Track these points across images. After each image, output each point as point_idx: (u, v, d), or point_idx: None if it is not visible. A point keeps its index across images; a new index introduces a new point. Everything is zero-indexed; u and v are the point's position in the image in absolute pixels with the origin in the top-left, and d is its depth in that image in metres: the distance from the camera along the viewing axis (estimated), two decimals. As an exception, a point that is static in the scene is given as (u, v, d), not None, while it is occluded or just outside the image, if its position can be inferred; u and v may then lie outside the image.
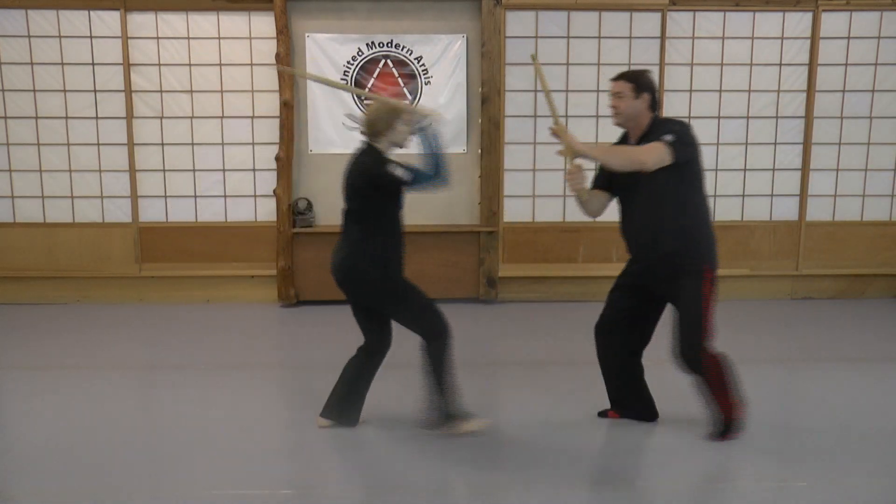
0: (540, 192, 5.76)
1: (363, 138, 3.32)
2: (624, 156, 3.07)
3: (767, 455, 3.22)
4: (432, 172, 3.23)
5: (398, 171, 3.17)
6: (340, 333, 5.06)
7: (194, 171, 5.72)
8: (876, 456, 3.21)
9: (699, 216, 3.20)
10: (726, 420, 3.24)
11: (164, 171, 5.71)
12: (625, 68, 5.57)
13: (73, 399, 3.87)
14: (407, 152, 3.40)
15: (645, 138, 3.16)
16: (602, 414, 3.60)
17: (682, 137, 3.07)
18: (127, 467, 3.11)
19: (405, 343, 4.87)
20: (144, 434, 3.48)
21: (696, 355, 3.14)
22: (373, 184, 3.22)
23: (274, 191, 5.68)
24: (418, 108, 3.38)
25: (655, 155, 3.01)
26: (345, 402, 3.44)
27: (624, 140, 3.32)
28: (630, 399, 3.51)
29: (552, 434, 3.41)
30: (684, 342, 3.16)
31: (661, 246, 3.16)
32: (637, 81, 3.18)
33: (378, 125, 3.24)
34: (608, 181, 3.33)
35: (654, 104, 3.22)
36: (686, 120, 3.28)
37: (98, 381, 4.13)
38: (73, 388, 4.03)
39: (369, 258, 3.27)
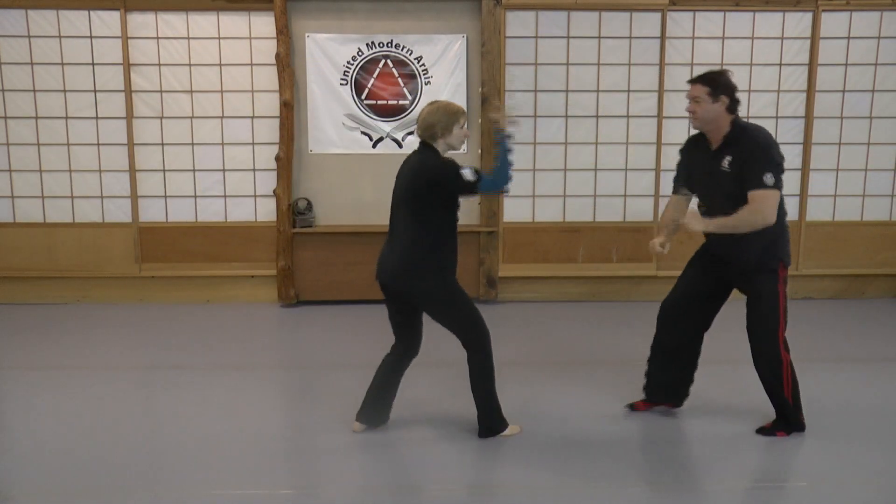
0: (540, 192, 5.76)
1: (418, 139, 3.27)
2: (746, 223, 3.12)
3: (767, 455, 3.23)
4: (499, 176, 3.20)
5: (468, 175, 3.12)
6: (340, 333, 5.08)
7: (194, 171, 5.71)
8: (876, 456, 3.21)
9: (777, 220, 3.21)
10: (791, 417, 3.37)
11: (164, 171, 5.70)
12: (625, 68, 5.64)
13: (73, 399, 3.88)
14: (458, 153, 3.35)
15: (726, 145, 3.21)
16: (630, 407, 3.65)
17: (777, 169, 3.14)
18: (127, 467, 3.11)
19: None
20: (144, 434, 3.48)
21: (777, 349, 3.26)
22: (441, 187, 3.14)
23: (274, 191, 5.68)
24: (498, 110, 3.31)
25: (771, 208, 3.10)
26: (379, 406, 3.45)
27: (701, 138, 3.35)
28: (674, 381, 3.56)
29: (552, 434, 3.41)
30: (763, 336, 3.28)
31: (743, 251, 3.24)
32: (714, 84, 3.18)
33: (436, 128, 3.17)
34: (687, 181, 3.44)
35: (734, 106, 3.22)
36: (765, 128, 3.35)
37: (98, 381, 4.13)
38: (73, 388, 4.03)
39: (426, 263, 3.20)
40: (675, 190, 3.53)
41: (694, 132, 3.45)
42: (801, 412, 3.39)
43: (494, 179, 3.20)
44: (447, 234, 3.23)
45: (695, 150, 3.40)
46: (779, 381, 3.30)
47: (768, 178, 3.10)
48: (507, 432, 3.37)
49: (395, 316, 3.42)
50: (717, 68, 3.46)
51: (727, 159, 3.19)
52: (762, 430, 3.41)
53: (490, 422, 3.36)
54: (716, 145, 3.24)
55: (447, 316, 3.29)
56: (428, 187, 3.14)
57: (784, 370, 3.29)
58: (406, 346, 3.44)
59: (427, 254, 3.20)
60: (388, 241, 3.34)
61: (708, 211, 3.31)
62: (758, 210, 3.09)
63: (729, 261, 3.31)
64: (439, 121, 3.16)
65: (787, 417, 3.38)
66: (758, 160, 3.12)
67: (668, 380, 3.56)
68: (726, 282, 3.42)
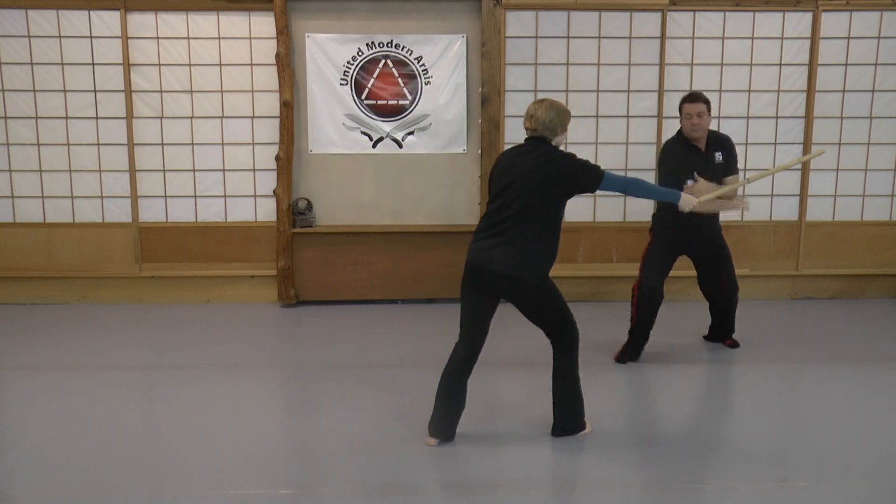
0: (540, 192, 5.75)
1: (533, 135, 3.28)
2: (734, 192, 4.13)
3: (767, 455, 3.23)
4: (634, 184, 3.31)
5: (595, 165, 3.23)
6: (340, 333, 5.07)
7: (194, 171, 5.71)
8: (876, 456, 3.21)
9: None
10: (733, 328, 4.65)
11: (164, 171, 5.71)
12: (625, 68, 5.64)
13: (73, 399, 3.88)
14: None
15: (711, 145, 4.27)
16: (621, 360, 4.41)
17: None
18: (127, 467, 3.11)
19: (394, 346, 4.87)
20: (144, 434, 3.48)
21: (736, 281, 4.51)
22: (577, 180, 3.19)
23: (274, 191, 5.68)
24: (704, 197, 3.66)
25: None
26: (452, 416, 3.34)
27: (684, 141, 4.28)
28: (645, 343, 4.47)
29: (552, 435, 3.41)
30: (733, 277, 4.45)
31: (714, 223, 4.36)
32: (707, 101, 4.20)
33: (555, 123, 3.23)
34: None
35: None
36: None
37: (98, 381, 4.13)
38: (73, 388, 4.03)
39: (542, 260, 3.22)
40: (682, 184, 3.94)
41: (668, 138, 4.50)
42: None
43: (633, 183, 3.28)
44: (558, 233, 3.27)
45: (688, 151, 4.24)
46: (736, 303, 4.52)
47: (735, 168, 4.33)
48: (587, 429, 3.40)
49: (478, 313, 3.28)
50: (698, 89, 4.68)
51: (719, 155, 4.24)
52: (733, 345, 4.60)
53: (569, 423, 3.36)
54: (704, 146, 4.24)
55: (550, 312, 3.27)
56: (564, 180, 3.17)
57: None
58: (474, 348, 3.31)
59: (547, 248, 3.23)
60: (494, 234, 3.21)
61: None
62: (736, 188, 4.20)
63: (704, 234, 4.29)
64: (557, 118, 3.24)
65: (732, 330, 4.62)
66: (735, 156, 4.34)
67: (644, 344, 4.43)
68: (680, 254, 4.41)
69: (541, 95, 5.64)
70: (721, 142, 4.29)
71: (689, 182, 3.92)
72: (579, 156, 3.26)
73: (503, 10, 5.54)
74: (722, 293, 4.50)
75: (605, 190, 3.26)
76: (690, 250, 4.40)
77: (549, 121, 3.22)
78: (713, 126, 5.58)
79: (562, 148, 3.31)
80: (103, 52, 5.57)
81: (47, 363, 4.45)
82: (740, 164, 5.76)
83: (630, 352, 4.39)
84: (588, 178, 3.19)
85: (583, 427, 3.39)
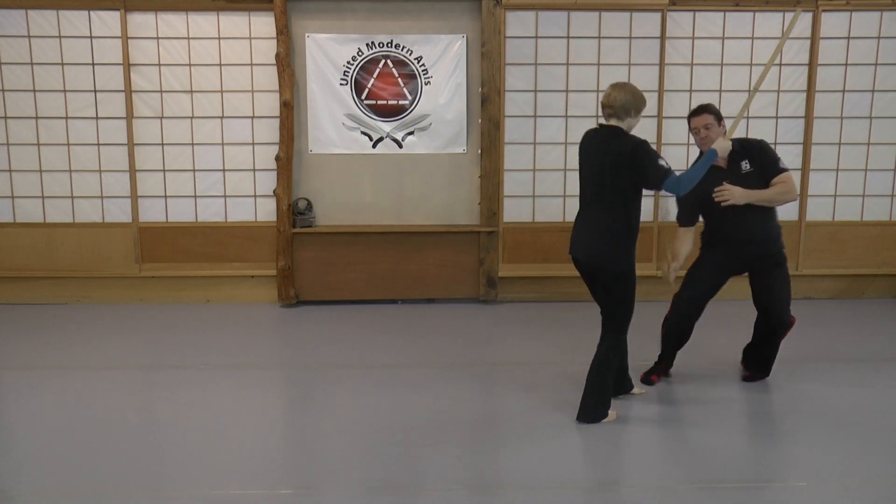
0: (540, 192, 5.76)
1: (608, 117, 3.40)
2: (782, 197, 3.82)
3: (767, 455, 3.23)
4: (684, 180, 3.29)
5: (663, 164, 3.24)
6: (340, 333, 5.08)
7: (194, 171, 5.72)
8: (876, 456, 3.21)
9: (776, 218, 3.97)
10: (772, 364, 4.09)
11: (164, 171, 5.71)
12: (625, 68, 5.64)
13: (73, 399, 3.88)
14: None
15: (734, 155, 3.78)
16: (647, 381, 4.03)
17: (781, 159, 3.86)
18: (127, 467, 3.12)
19: (394, 345, 4.87)
20: (144, 434, 3.48)
21: (790, 314, 3.93)
22: (637, 168, 3.24)
23: (274, 191, 5.68)
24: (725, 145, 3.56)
25: (794, 185, 3.85)
26: (620, 378, 3.67)
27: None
28: (673, 357, 4.13)
29: (551, 435, 3.41)
30: (785, 306, 3.90)
31: (769, 240, 3.90)
32: (716, 112, 3.84)
33: (629, 105, 3.35)
34: (698, 208, 3.96)
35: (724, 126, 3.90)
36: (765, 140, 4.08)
37: (98, 381, 4.13)
38: (73, 388, 4.03)
39: (615, 246, 3.34)
40: (683, 223, 4.01)
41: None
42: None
43: (679, 180, 3.28)
44: (638, 215, 3.37)
45: (707, 175, 3.60)
46: (780, 336, 3.97)
47: (783, 164, 3.85)
48: (609, 418, 3.52)
49: (593, 291, 3.55)
50: (706, 100, 4.26)
51: (745, 164, 3.82)
52: (747, 379, 4.09)
53: (593, 409, 3.49)
54: (725, 163, 3.79)
55: (619, 296, 3.40)
56: (629, 158, 3.24)
57: (785, 333, 3.98)
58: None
59: (621, 233, 3.33)
60: (581, 218, 3.47)
61: (725, 221, 3.86)
62: (790, 188, 3.81)
63: (758, 251, 3.89)
64: (633, 101, 3.36)
65: (770, 364, 4.06)
66: (769, 155, 3.85)
67: (673, 358, 4.13)
68: (734, 273, 3.97)
69: (541, 95, 5.65)
70: (745, 149, 3.83)
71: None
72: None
73: (503, 10, 5.54)
74: (765, 319, 3.98)
75: (667, 191, 3.29)
76: (735, 266, 3.94)
77: (623, 101, 3.34)
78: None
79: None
80: (103, 52, 5.57)
81: (47, 363, 4.45)
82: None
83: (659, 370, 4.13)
84: (651, 167, 3.23)
85: (604, 416, 3.50)
